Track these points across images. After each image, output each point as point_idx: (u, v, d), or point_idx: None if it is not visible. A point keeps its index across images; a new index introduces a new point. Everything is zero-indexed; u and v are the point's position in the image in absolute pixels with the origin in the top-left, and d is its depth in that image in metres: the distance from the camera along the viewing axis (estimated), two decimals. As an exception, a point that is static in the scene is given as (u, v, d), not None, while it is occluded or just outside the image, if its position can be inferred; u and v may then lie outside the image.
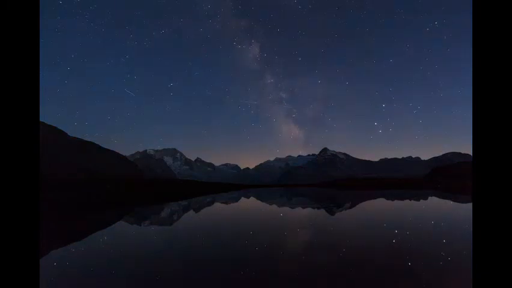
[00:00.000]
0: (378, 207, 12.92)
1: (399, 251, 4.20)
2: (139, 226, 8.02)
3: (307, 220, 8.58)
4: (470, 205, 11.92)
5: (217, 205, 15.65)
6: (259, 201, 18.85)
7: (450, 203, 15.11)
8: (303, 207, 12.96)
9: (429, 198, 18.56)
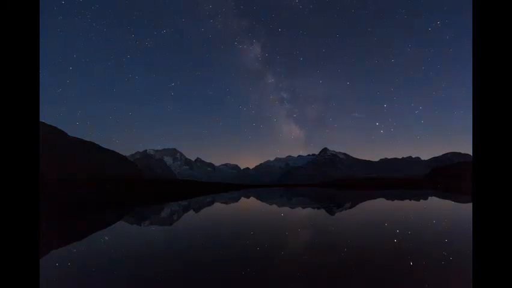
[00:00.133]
0: (378, 207, 12.92)
1: (400, 251, 4.20)
2: (139, 226, 8.02)
3: (307, 220, 8.57)
4: (470, 205, 11.91)
5: (217, 205, 15.64)
6: (259, 201, 18.84)
7: (450, 203, 15.11)
8: (303, 207, 12.96)
9: (429, 198, 18.56)
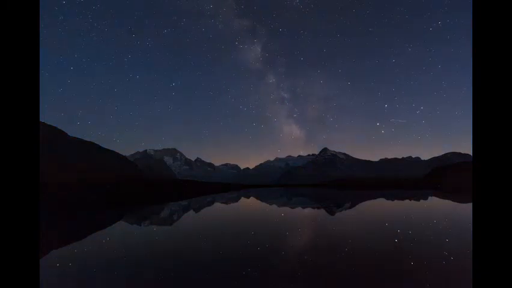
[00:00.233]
0: (378, 207, 12.92)
1: (400, 251, 4.20)
2: (139, 226, 8.02)
3: (307, 220, 8.58)
4: (470, 205, 11.92)
5: (217, 205, 15.65)
6: (259, 201, 18.84)
7: (450, 203, 15.11)
8: (303, 208, 12.96)
9: (429, 198, 18.57)
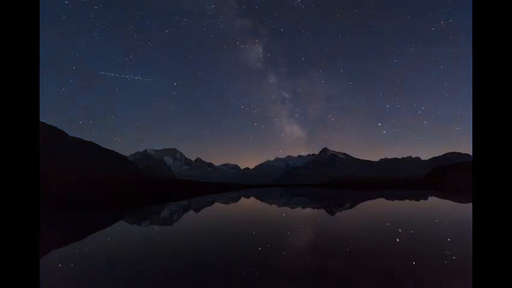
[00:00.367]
0: (378, 207, 12.92)
1: (400, 251, 4.20)
2: (139, 226, 8.02)
3: (307, 220, 8.58)
4: (470, 205, 11.92)
5: (217, 205, 15.65)
6: (259, 201, 18.85)
7: (450, 203, 15.11)
8: (303, 208, 12.96)
9: (429, 198, 18.57)
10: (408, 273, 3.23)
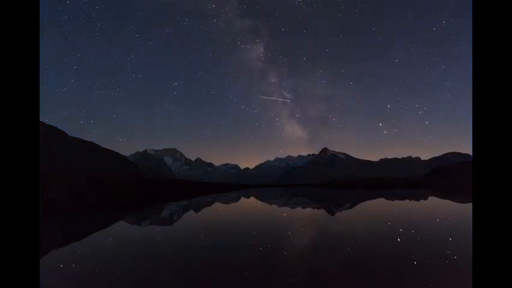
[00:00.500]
0: (378, 207, 12.92)
1: (400, 251, 4.20)
2: (139, 226, 8.02)
3: (308, 220, 8.58)
4: (470, 205, 11.92)
5: (218, 205, 15.64)
6: (259, 201, 18.85)
7: (450, 203, 15.10)
8: (303, 208, 12.96)
9: (429, 198, 18.56)
10: (409, 273, 3.22)
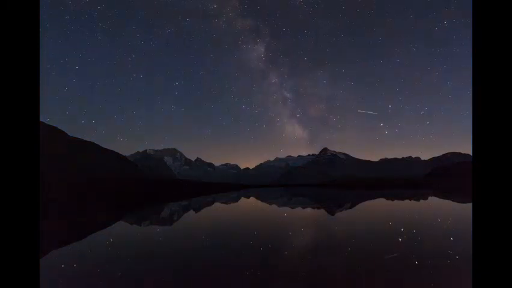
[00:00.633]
0: (378, 207, 12.91)
1: (399, 251, 4.20)
2: (139, 226, 8.02)
3: (308, 220, 8.58)
4: (470, 205, 11.92)
5: (217, 205, 15.64)
6: (259, 201, 18.84)
7: (450, 203, 15.10)
8: (303, 207, 12.96)
9: (429, 198, 18.56)
10: (409, 273, 3.22)
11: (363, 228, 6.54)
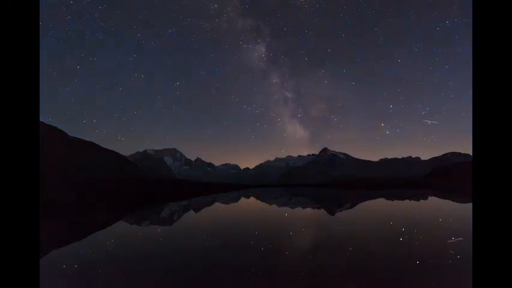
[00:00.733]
0: (378, 207, 12.91)
1: (400, 251, 4.20)
2: (139, 226, 8.02)
3: (308, 220, 8.57)
4: (470, 205, 11.91)
5: (218, 205, 15.64)
6: (259, 201, 18.84)
7: (450, 203, 15.10)
8: (304, 207, 12.96)
9: (429, 198, 18.56)
10: (409, 273, 3.22)
11: (363, 228, 6.54)
